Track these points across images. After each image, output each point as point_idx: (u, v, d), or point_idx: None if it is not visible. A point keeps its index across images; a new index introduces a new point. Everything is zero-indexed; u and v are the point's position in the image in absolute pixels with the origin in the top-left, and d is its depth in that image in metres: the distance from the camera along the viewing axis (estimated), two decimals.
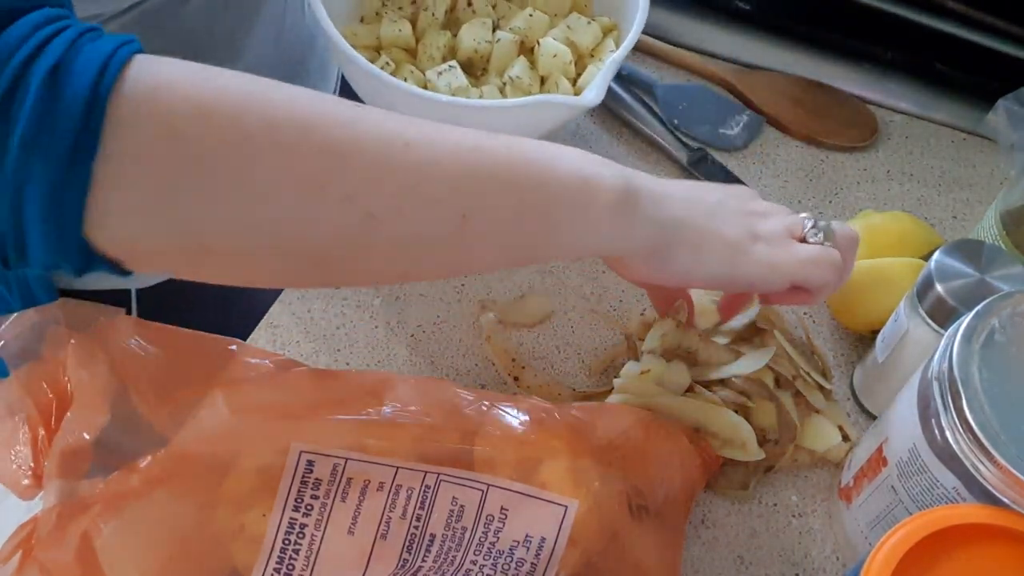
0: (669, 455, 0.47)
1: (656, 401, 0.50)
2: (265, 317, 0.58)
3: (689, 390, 0.52)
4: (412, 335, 0.58)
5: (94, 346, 0.44)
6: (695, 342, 0.54)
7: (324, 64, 0.69)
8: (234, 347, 0.46)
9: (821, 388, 0.54)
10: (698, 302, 0.58)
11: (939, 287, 0.46)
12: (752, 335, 0.56)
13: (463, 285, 0.60)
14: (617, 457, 0.45)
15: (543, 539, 0.42)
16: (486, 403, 0.46)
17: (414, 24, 0.62)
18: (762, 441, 0.51)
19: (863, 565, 0.36)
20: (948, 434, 0.38)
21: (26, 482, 0.42)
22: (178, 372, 0.44)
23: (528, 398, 0.48)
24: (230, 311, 0.64)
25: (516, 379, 0.55)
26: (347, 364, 0.57)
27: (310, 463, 0.41)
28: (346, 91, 0.71)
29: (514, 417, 0.45)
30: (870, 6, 0.71)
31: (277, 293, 0.60)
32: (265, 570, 0.41)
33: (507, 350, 0.56)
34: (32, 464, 0.42)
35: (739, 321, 0.56)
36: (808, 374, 0.54)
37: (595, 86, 0.54)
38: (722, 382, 0.53)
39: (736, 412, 0.51)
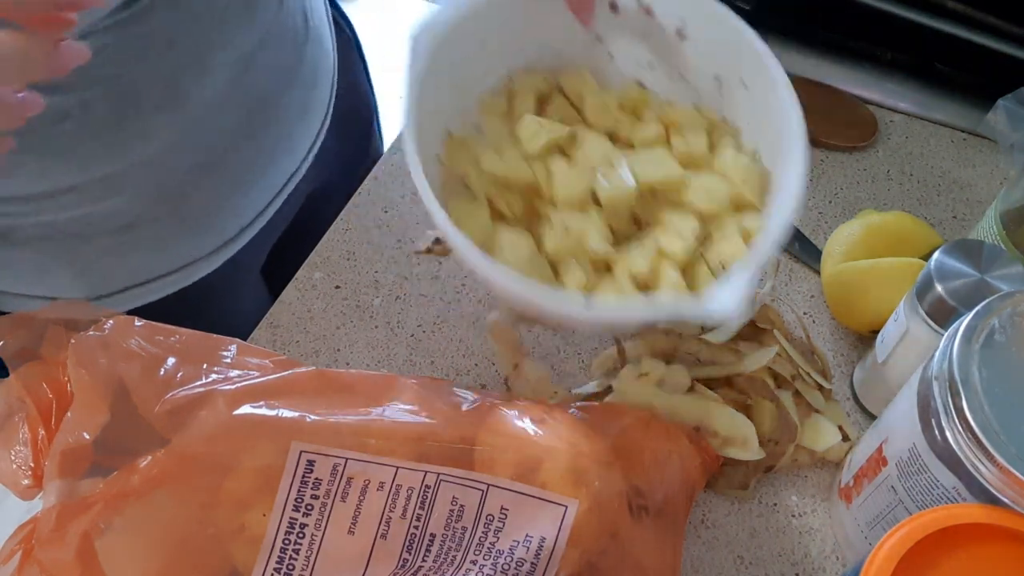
0: (669, 455, 0.47)
1: (656, 400, 0.50)
2: (265, 317, 0.58)
3: (690, 389, 0.52)
4: (412, 335, 0.58)
5: (94, 346, 0.44)
6: (695, 345, 0.54)
7: (307, 102, 0.65)
8: (234, 347, 0.46)
9: (821, 388, 0.54)
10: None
11: (939, 287, 0.46)
12: (752, 335, 0.56)
13: (463, 285, 0.60)
14: (617, 457, 0.45)
15: (543, 539, 0.42)
16: (486, 403, 0.46)
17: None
18: (762, 441, 0.51)
19: (863, 565, 0.36)
20: (948, 434, 0.38)
21: (26, 482, 0.42)
22: (178, 372, 0.44)
23: (528, 398, 0.48)
24: (230, 311, 0.64)
25: (515, 366, 0.55)
26: (347, 364, 0.57)
27: (310, 463, 0.41)
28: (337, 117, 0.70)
29: (514, 417, 0.45)
30: (870, 6, 0.71)
31: (276, 293, 0.60)
32: (265, 570, 0.41)
33: (511, 342, 0.56)
34: (32, 464, 0.42)
35: (739, 321, 0.56)
36: (808, 374, 0.54)
37: (731, 288, 0.37)
38: (723, 381, 0.53)
39: (736, 411, 0.51)
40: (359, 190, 0.65)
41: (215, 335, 0.47)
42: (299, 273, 0.61)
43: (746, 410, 0.52)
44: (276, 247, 0.71)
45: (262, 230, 0.65)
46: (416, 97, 0.42)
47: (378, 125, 0.83)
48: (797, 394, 0.54)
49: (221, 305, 0.65)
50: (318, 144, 0.67)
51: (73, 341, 0.44)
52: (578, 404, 0.49)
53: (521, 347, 0.56)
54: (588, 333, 0.59)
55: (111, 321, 0.45)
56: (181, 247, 0.60)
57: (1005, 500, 0.37)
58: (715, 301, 0.37)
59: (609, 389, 0.53)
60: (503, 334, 0.56)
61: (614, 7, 0.49)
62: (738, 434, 0.50)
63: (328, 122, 0.68)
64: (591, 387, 0.55)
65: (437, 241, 0.62)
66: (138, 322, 0.46)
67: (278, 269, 0.63)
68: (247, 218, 0.63)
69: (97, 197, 0.54)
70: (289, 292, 0.60)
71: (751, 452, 0.50)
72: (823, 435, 0.52)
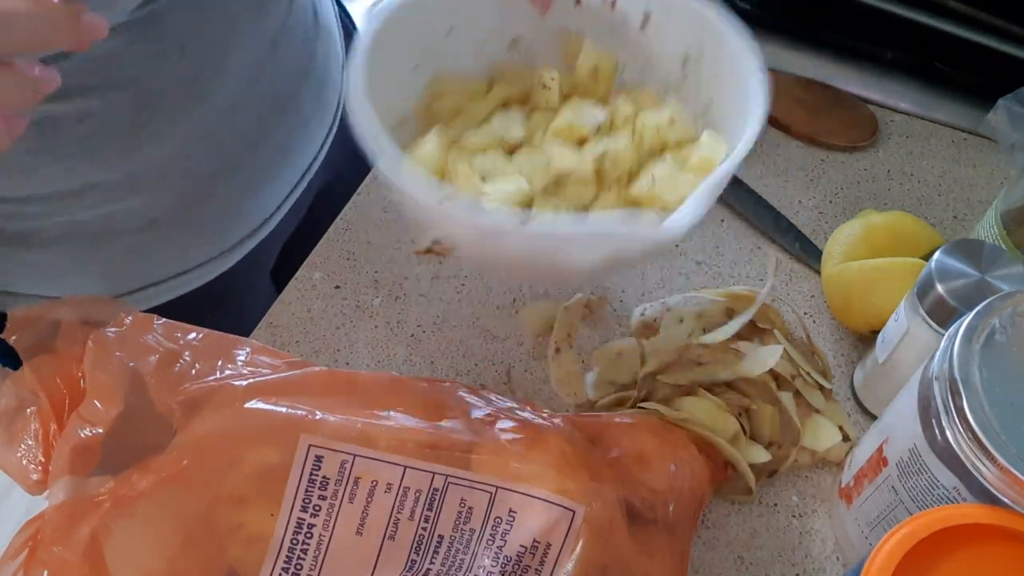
0: (679, 464, 0.46)
1: (666, 413, 0.50)
2: (265, 317, 0.58)
3: (692, 394, 0.52)
4: (412, 335, 0.58)
5: (109, 341, 0.44)
6: (696, 349, 0.53)
7: (320, 94, 0.66)
8: (248, 347, 0.46)
9: (821, 388, 0.54)
10: (702, 301, 0.58)
11: (939, 287, 0.46)
12: (752, 335, 0.56)
13: (463, 285, 0.60)
14: (625, 466, 0.45)
15: (549, 544, 0.42)
16: (497, 409, 0.45)
17: None
18: (764, 445, 0.51)
19: (863, 565, 0.36)
20: (948, 434, 0.38)
21: (35, 476, 0.42)
22: (194, 367, 0.44)
23: (537, 405, 0.48)
24: (241, 309, 0.64)
25: (557, 350, 0.56)
26: (347, 364, 0.57)
27: (318, 458, 0.41)
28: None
29: (524, 424, 0.45)
30: (870, 6, 0.71)
31: (277, 293, 0.60)
32: (273, 570, 0.41)
33: (571, 370, 0.56)
34: (41, 459, 0.42)
35: (738, 321, 0.56)
36: (808, 374, 0.54)
37: (689, 207, 0.41)
38: (724, 384, 0.53)
39: (740, 415, 0.51)
40: (359, 190, 0.65)
41: (231, 335, 0.47)
42: (299, 273, 0.61)
43: (748, 413, 0.52)
44: (285, 246, 0.71)
45: (275, 228, 0.66)
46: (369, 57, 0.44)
47: None
48: (797, 394, 0.53)
49: (232, 304, 0.66)
50: (329, 141, 0.68)
51: (92, 337, 0.43)
52: (587, 414, 0.48)
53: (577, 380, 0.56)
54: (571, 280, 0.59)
55: (130, 317, 0.45)
56: (199, 245, 0.61)
57: (1005, 500, 0.37)
58: (671, 220, 0.40)
59: (616, 398, 0.53)
60: (566, 360, 0.56)
61: (578, 0, 0.51)
62: (738, 444, 0.50)
63: (339, 120, 0.69)
64: (590, 383, 0.55)
65: (437, 241, 0.62)
66: (157, 320, 0.46)
67: (287, 268, 0.63)
68: (263, 215, 0.64)
69: (116, 197, 0.54)
70: (289, 292, 0.60)
71: (755, 458, 0.50)
72: (824, 435, 0.52)
